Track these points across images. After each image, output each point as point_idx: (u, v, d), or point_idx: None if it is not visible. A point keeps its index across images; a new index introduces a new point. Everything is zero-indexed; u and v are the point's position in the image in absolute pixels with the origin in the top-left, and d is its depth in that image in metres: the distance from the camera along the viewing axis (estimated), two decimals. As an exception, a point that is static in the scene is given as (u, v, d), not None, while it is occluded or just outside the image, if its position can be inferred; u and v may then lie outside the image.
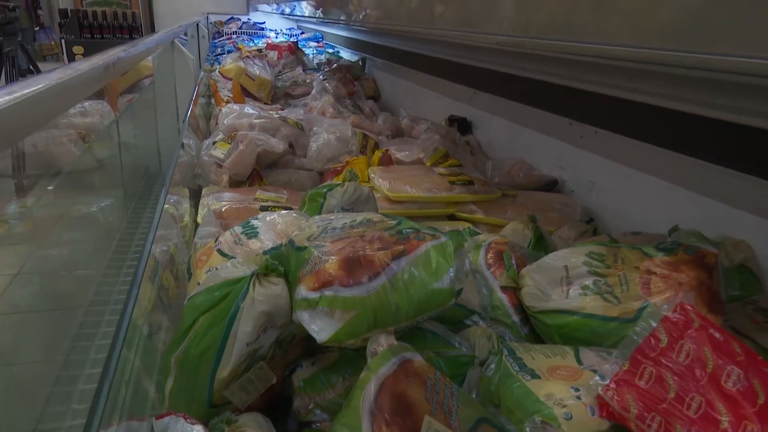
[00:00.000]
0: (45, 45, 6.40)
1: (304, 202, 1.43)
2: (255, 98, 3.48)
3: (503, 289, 1.04)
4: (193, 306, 0.81)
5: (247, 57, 3.60)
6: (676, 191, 1.69)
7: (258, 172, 1.95)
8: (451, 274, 0.77)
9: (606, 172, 1.89)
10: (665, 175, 1.71)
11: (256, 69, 3.54)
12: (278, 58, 4.05)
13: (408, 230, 0.84)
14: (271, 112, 3.04)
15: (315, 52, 4.98)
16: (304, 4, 4.50)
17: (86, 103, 2.02)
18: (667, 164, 1.68)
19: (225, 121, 2.02)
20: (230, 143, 1.89)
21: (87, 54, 6.27)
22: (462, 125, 2.74)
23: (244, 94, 3.46)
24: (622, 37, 1.04)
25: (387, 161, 2.03)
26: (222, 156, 1.87)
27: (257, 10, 6.71)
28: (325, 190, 1.39)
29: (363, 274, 0.75)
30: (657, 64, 1.13)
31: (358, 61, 4.32)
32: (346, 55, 4.94)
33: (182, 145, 2.07)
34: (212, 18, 6.29)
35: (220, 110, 2.87)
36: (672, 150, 1.65)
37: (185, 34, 4.46)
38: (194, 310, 0.81)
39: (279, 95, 3.63)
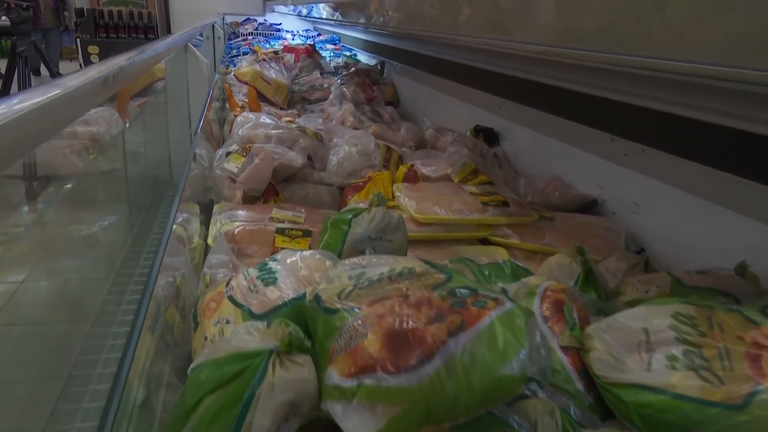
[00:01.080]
0: (66, 48, 6.28)
1: (326, 228, 1.27)
2: (271, 103, 3.32)
3: (564, 349, 0.87)
4: (197, 381, 0.65)
5: (264, 60, 3.45)
6: (733, 218, 1.50)
7: (274, 187, 1.79)
8: (523, 356, 0.60)
9: (653, 193, 1.71)
10: (721, 200, 1.52)
11: (273, 72, 3.38)
12: (295, 61, 3.89)
13: (463, 291, 0.67)
14: (287, 118, 2.88)
15: (332, 54, 4.82)
16: (321, 6, 4.35)
17: (92, 111, 1.86)
18: (724, 187, 1.49)
19: (240, 132, 1.86)
20: (245, 156, 1.73)
21: (102, 54, 6.15)
22: (488, 136, 2.56)
23: (259, 98, 3.30)
24: (676, 51, 0.88)
25: (412, 177, 1.85)
26: (236, 170, 1.71)
27: (273, 11, 6.57)
28: (349, 216, 1.22)
29: (412, 355, 0.58)
30: (714, 78, 0.96)
31: (376, 65, 4.15)
32: (363, 58, 4.78)
33: (194, 157, 1.91)
34: (228, 19, 6.15)
35: (234, 117, 2.72)
36: (730, 173, 1.47)
37: (201, 35, 4.32)
38: (199, 386, 0.64)
39: (295, 100, 3.47)
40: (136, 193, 1.91)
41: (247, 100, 3.01)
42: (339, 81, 3.53)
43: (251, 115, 1.97)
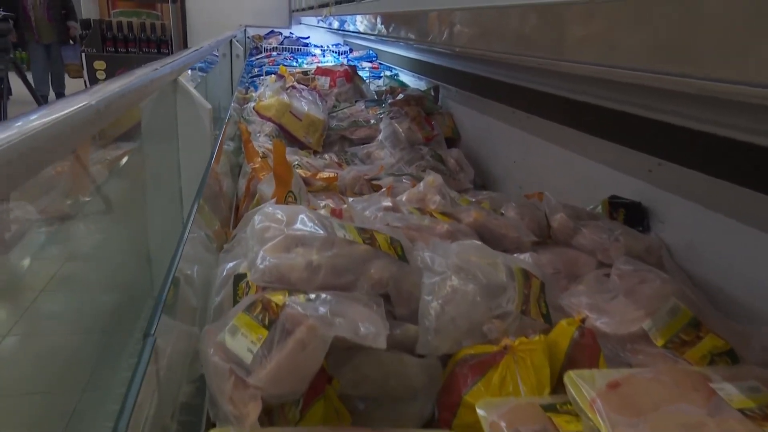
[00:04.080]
0: (71, 64, 5.37)
1: None
2: (301, 144, 2.40)
3: None
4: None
5: (293, 87, 2.52)
6: None
7: (324, 371, 0.85)
8: None
9: None
10: None
11: (305, 104, 2.45)
12: (330, 86, 2.96)
13: None
14: (325, 174, 1.96)
15: (369, 75, 3.88)
16: (359, 18, 3.40)
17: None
18: None
19: (260, 262, 0.89)
20: (267, 325, 0.79)
21: (109, 70, 5.27)
22: (631, 214, 1.61)
23: (287, 140, 2.37)
24: None
25: (590, 348, 0.91)
26: (249, 357, 0.77)
27: (300, 23, 5.65)
28: None
29: None
30: None
31: (429, 89, 3.20)
32: (407, 79, 3.82)
33: (165, 300, 0.98)
34: (250, 31, 5.25)
35: (249, 179, 1.79)
36: None
37: (216, 52, 3.40)
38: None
39: (332, 139, 2.53)
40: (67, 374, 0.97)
41: (271, 147, 2.09)
42: (389, 114, 2.59)
43: (278, 211, 1.02)
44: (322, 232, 0.97)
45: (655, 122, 1.52)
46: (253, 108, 2.34)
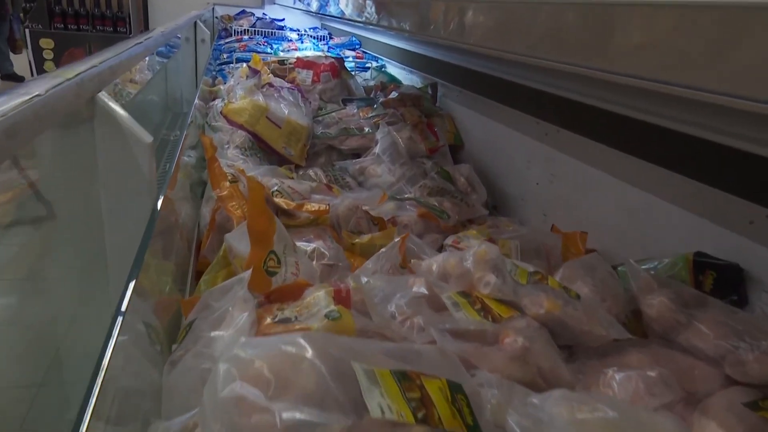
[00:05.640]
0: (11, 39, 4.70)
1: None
2: (281, 157, 1.90)
3: None
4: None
5: (270, 85, 2.00)
6: None
7: None
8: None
9: None
10: None
11: (284, 107, 1.94)
12: (313, 81, 2.45)
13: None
14: (314, 207, 1.50)
15: (355, 66, 3.36)
16: (344, 2, 2.88)
17: None
18: None
19: None
20: None
21: (58, 49, 4.58)
22: (724, 278, 1.19)
23: (264, 151, 1.87)
24: None
25: None
26: None
27: (274, 4, 5.05)
28: None
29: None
30: None
31: (426, 87, 2.72)
32: (396, 72, 3.32)
33: None
34: (219, 11, 4.64)
35: (211, 221, 1.33)
36: None
37: (179, 36, 2.83)
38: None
39: (318, 149, 2.04)
40: None
41: (243, 167, 1.58)
42: (385, 119, 2.11)
43: (260, 362, 0.53)
44: (343, 412, 0.51)
45: (764, 159, 1.09)
46: (221, 112, 1.82)
